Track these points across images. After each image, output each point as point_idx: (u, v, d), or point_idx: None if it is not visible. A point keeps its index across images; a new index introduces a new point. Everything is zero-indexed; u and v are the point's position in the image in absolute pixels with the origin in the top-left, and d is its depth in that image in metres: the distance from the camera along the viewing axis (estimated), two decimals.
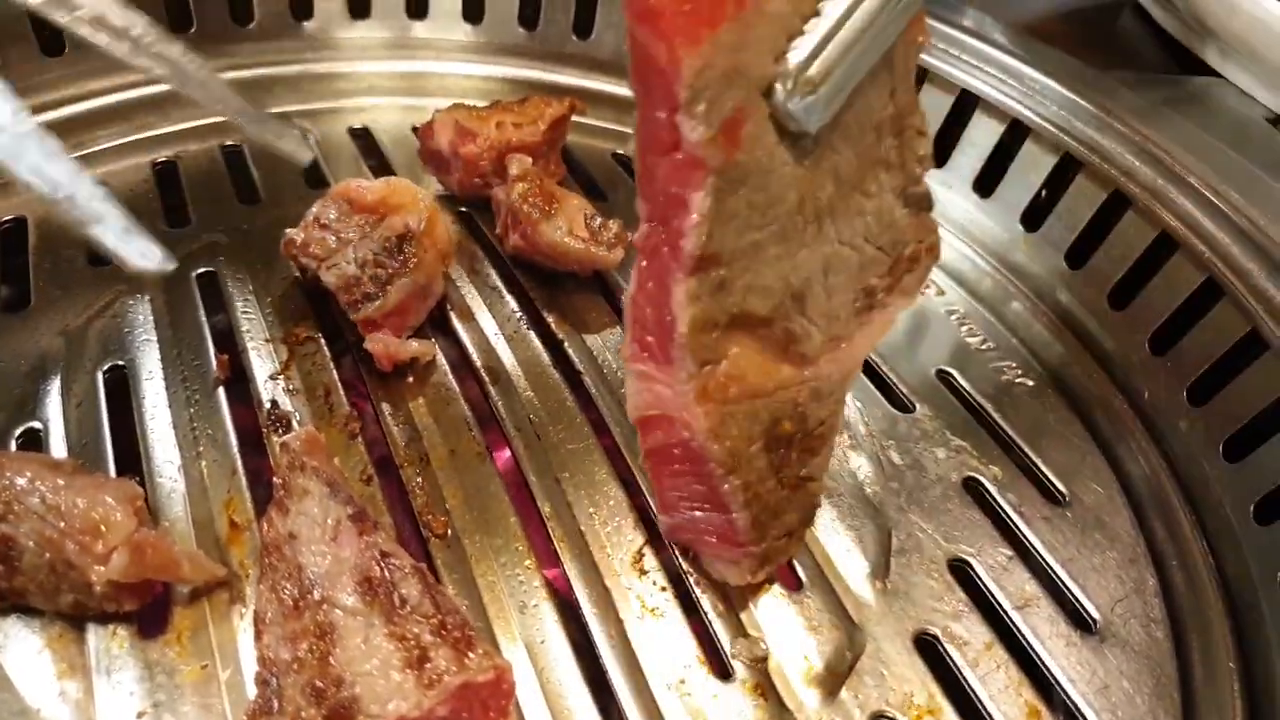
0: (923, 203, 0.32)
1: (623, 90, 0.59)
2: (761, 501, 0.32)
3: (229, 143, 0.51)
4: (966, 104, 0.52)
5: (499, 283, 0.44)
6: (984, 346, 0.48)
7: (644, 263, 0.28)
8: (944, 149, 0.54)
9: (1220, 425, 0.42)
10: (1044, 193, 0.51)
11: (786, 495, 0.33)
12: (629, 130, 0.58)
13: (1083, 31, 0.59)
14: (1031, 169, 0.51)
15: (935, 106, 0.53)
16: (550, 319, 0.43)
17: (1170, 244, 0.45)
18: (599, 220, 0.44)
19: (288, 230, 0.41)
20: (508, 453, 0.37)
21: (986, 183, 0.52)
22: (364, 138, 0.54)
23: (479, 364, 0.40)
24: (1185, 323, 0.44)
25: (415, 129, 0.54)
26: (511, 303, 0.43)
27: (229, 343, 0.40)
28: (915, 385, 0.45)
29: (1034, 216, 0.51)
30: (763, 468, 0.32)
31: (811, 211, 0.29)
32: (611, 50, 0.59)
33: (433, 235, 0.41)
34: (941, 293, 0.51)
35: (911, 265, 0.33)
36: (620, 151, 0.56)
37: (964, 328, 0.49)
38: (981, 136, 0.52)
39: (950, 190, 0.54)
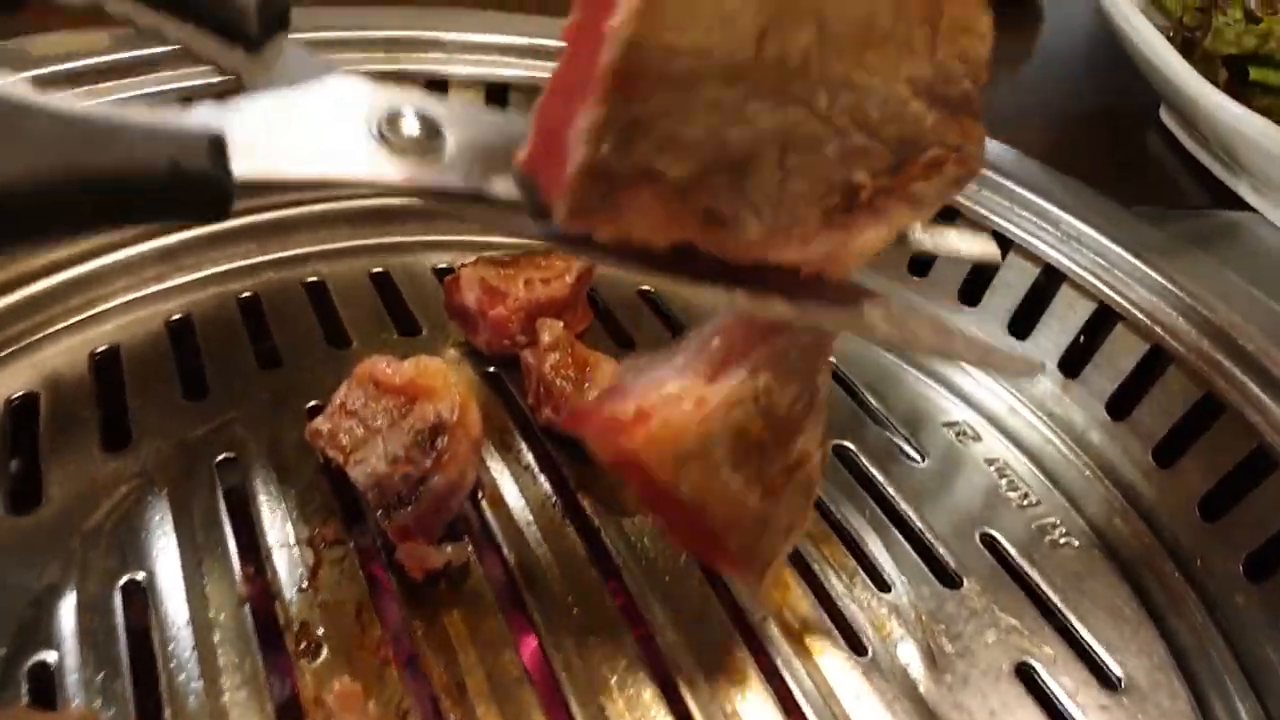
0: (961, 104, 0.26)
1: None
2: (742, 525, 0.29)
3: (244, 293, 0.50)
4: (999, 245, 0.51)
5: (531, 459, 0.43)
6: (1025, 502, 0.47)
7: (563, 63, 0.23)
8: (976, 289, 0.53)
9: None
10: (1082, 338, 0.50)
11: (772, 501, 0.30)
12: None
13: (1108, 156, 0.59)
14: (1068, 315, 0.50)
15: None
16: (586, 502, 0.41)
17: (1217, 406, 0.44)
18: None
19: (313, 422, 0.40)
20: (547, 672, 0.36)
21: (1022, 326, 0.51)
22: (384, 284, 0.53)
23: (513, 562, 0.39)
24: (1237, 491, 0.43)
25: (440, 277, 0.53)
26: (545, 484, 0.42)
27: (253, 545, 0.38)
28: (960, 554, 0.44)
29: (1072, 363, 0.50)
30: (738, 489, 0.28)
31: (776, 54, 0.22)
32: None
33: (465, 424, 0.39)
34: (978, 438, 0.50)
35: (929, 172, 0.26)
36: (646, 288, 0.55)
37: (1004, 480, 0.48)
38: (1015, 278, 0.51)
39: (983, 331, 0.52)
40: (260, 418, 0.43)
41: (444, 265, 0.54)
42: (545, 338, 0.44)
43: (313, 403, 0.44)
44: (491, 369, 0.48)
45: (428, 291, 0.52)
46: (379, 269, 0.54)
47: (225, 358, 0.47)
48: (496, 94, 0.55)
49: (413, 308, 0.51)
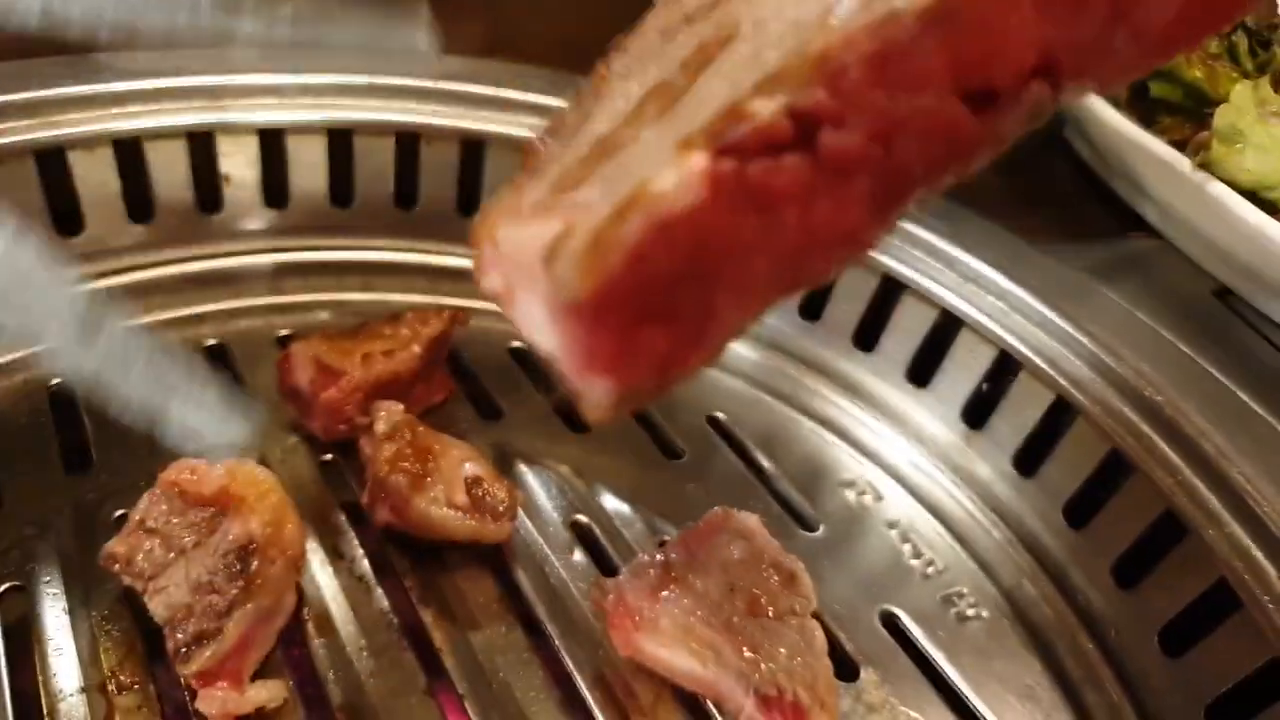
0: None
1: None
2: None
3: (54, 380, 0.44)
4: (892, 290, 0.47)
5: (366, 569, 0.38)
6: (929, 570, 0.43)
7: None
8: (871, 334, 0.49)
9: (1199, 685, 0.37)
10: (985, 387, 0.46)
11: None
12: None
13: (1012, 182, 0.55)
14: (969, 362, 0.46)
15: (859, 287, 0.48)
16: (428, 617, 0.36)
17: (1126, 465, 0.40)
18: (484, 485, 0.38)
19: (109, 544, 0.34)
20: None
21: (921, 373, 0.48)
22: (220, 357, 0.47)
23: (338, 702, 0.34)
24: (1151, 556, 0.40)
25: (283, 345, 0.47)
26: (382, 599, 0.37)
27: (34, 693, 0.33)
28: (861, 639, 0.39)
29: (976, 413, 0.46)
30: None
31: None
32: None
33: (281, 541, 0.34)
34: (879, 498, 0.46)
35: None
36: (520, 345, 0.50)
37: (906, 545, 0.44)
38: (912, 323, 0.47)
39: (882, 380, 0.49)
40: (59, 534, 0.38)
41: (287, 332, 0.49)
42: (380, 426, 0.39)
43: (120, 512, 0.39)
44: (329, 456, 0.43)
45: (268, 364, 0.47)
46: (214, 340, 0.48)
47: (26, 460, 0.41)
48: (340, 138, 0.50)
49: (249, 386, 0.46)
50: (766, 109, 0.19)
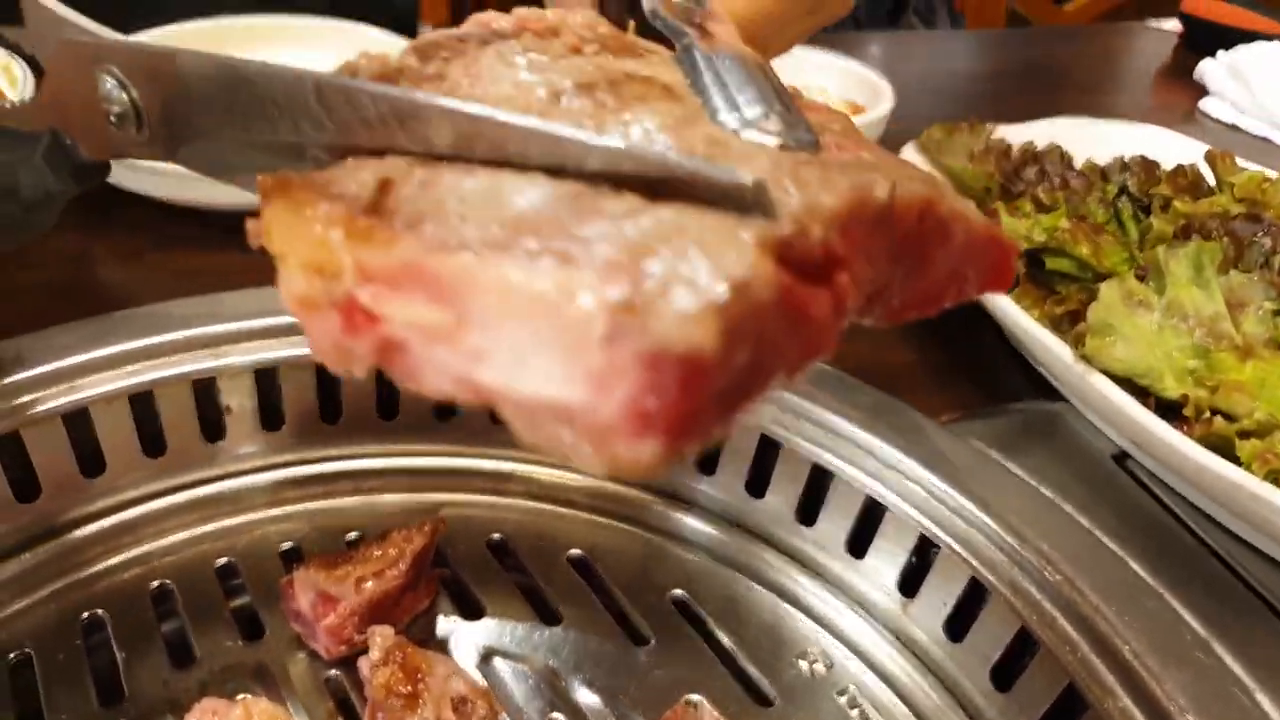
0: None
1: (493, 463, 0.59)
2: None
3: (84, 614, 0.50)
4: (822, 478, 0.53)
5: None
6: None
7: None
8: (811, 511, 0.54)
9: None
10: (914, 560, 0.51)
11: None
12: (501, 500, 0.59)
13: (947, 355, 0.61)
14: (898, 538, 0.51)
15: (794, 471, 0.54)
16: None
17: (1033, 639, 0.45)
18: (468, 704, 0.43)
19: None
20: None
21: (857, 546, 0.53)
22: (229, 576, 0.53)
23: None
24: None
25: (286, 561, 0.53)
26: None
27: None
28: None
29: (909, 584, 0.51)
30: None
31: None
32: (480, 422, 0.59)
33: None
34: (830, 665, 0.51)
35: None
36: (497, 537, 0.56)
37: (854, 710, 0.49)
38: (844, 503, 0.53)
39: (825, 552, 0.54)
40: None
41: (289, 545, 0.55)
42: (374, 654, 0.44)
43: None
44: (333, 671, 0.48)
45: (273, 578, 0.52)
46: (224, 559, 0.53)
47: (63, 695, 0.46)
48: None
49: (256, 601, 0.51)
50: (818, 234, 0.21)
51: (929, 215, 0.25)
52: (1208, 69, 1.03)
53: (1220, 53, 1.02)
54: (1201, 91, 1.04)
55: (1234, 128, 0.96)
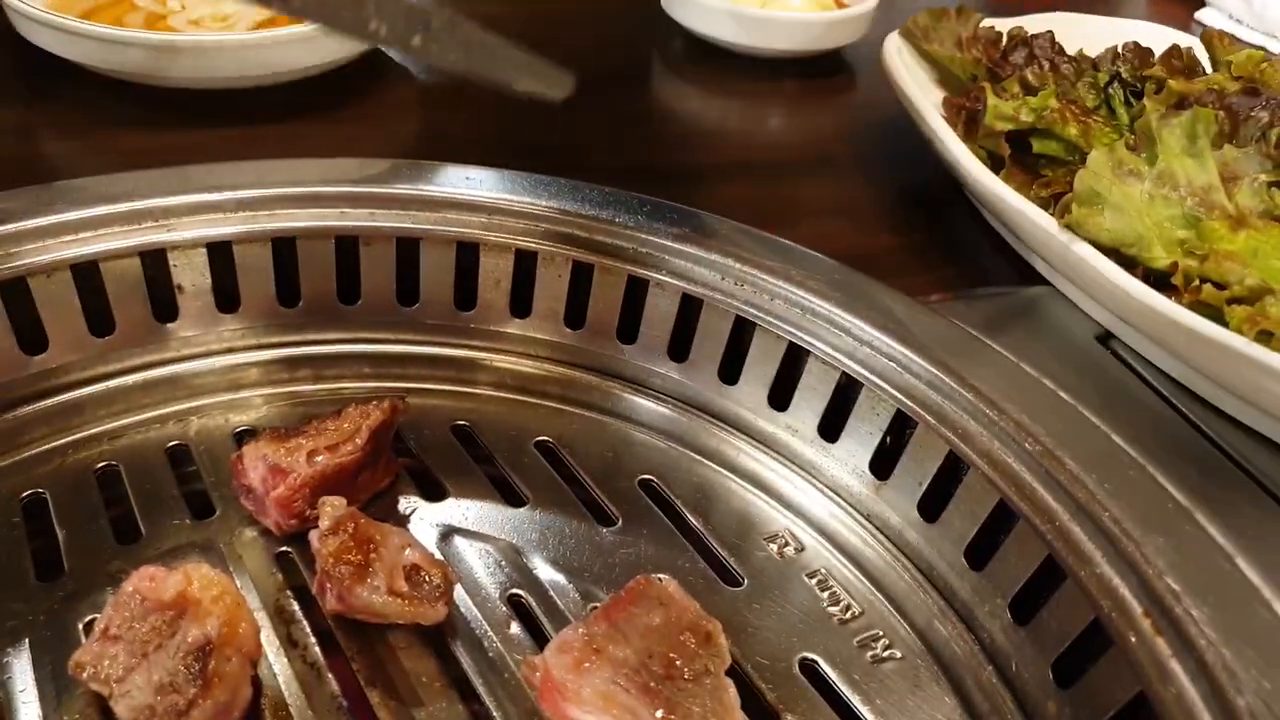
0: None
1: (460, 351, 0.57)
2: None
3: (26, 492, 0.48)
4: (797, 355, 0.51)
5: (318, 655, 0.41)
6: (847, 616, 0.47)
7: None
8: (784, 396, 0.52)
9: (1087, 714, 0.40)
10: (888, 440, 0.49)
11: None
12: (468, 390, 0.57)
13: (917, 237, 0.59)
14: (871, 419, 0.49)
15: (767, 359, 0.52)
16: (375, 698, 0.40)
17: (1011, 514, 0.44)
18: (421, 572, 0.42)
19: (76, 653, 0.38)
20: None
21: (830, 429, 0.51)
22: (181, 459, 0.51)
23: None
24: (1039, 595, 0.43)
25: (240, 441, 0.51)
26: (332, 683, 0.40)
27: None
28: (781, 688, 0.43)
29: (881, 466, 0.50)
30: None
31: None
32: (446, 310, 0.57)
33: (236, 640, 0.38)
34: (800, 548, 0.50)
35: None
36: (463, 424, 0.54)
37: (825, 593, 0.48)
38: (818, 383, 0.51)
39: (796, 436, 0.52)
40: (32, 642, 0.41)
41: (245, 427, 0.53)
42: (324, 523, 0.42)
43: (91, 617, 0.42)
44: (284, 548, 0.46)
45: (226, 461, 0.50)
46: (175, 442, 0.51)
47: (1, 570, 0.44)
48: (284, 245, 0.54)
49: (208, 484, 0.49)
50: None
51: None
52: None
53: None
54: (1197, 3, 1.01)
55: (1231, 37, 0.94)
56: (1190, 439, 0.46)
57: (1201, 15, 0.98)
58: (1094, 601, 0.39)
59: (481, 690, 0.40)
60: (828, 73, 0.81)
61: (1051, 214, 0.50)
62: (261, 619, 0.42)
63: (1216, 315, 0.43)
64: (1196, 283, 0.44)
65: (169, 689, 0.36)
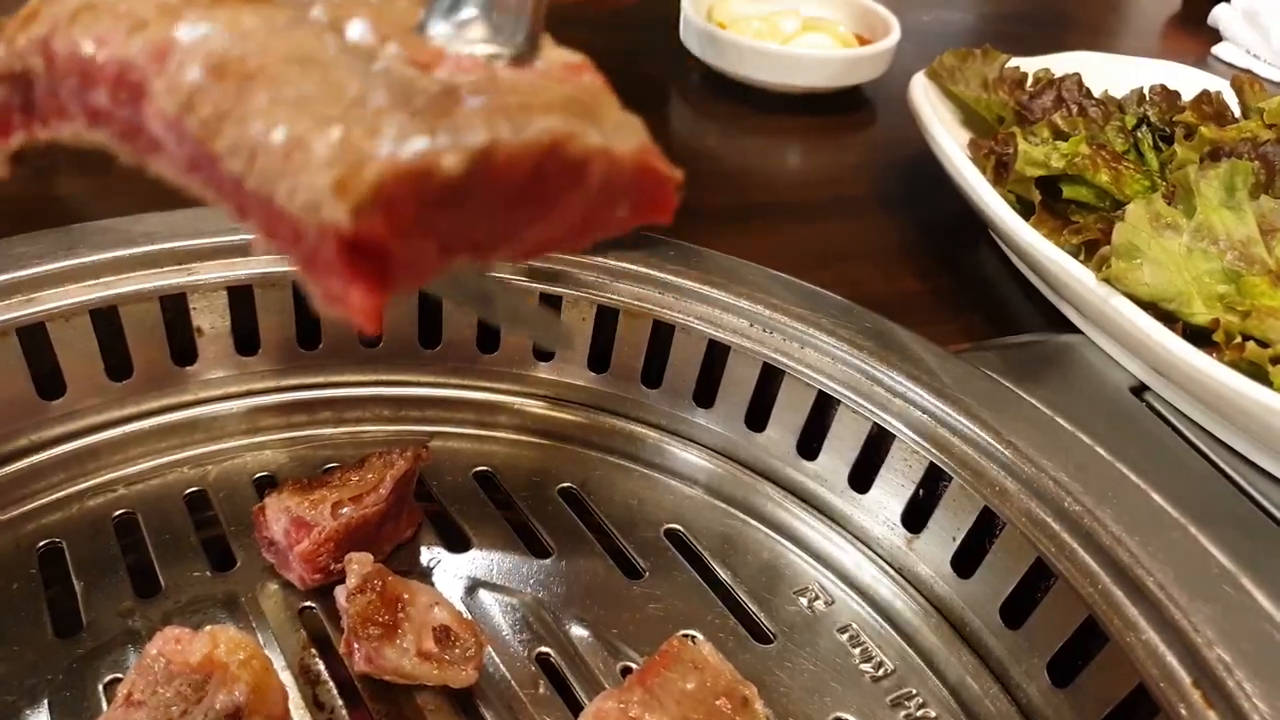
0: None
1: (481, 394, 0.56)
2: None
3: (42, 541, 0.47)
4: (825, 408, 0.50)
5: (345, 717, 0.40)
6: (880, 673, 0.46)
7: None
8: (813, 445, 0.52)
9: None
10: (920, 492, 0.49)
11: None
12: (490, 434, 0.56)
13: (941, 281, 0.58)
14: (904, 470, 0.49)
15: (795, 408, 0.51)
16: None
17: (1049, 572, 0.43)
18: (451, 634, 0.41)
19: None
20: None
21: (861, 480, 0.50)
22: (200, 506, 0.50)
23: None
24: (1081, 657, 0.42)
25: (260, 489, 0.50)
26: None
27: None
28: None
29: (914, 519, 0.49)
30: None
31: None
32: (468, 351, 0.56)
33: (265, 706, 0.37)
34: (830, 602, 0.49)
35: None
36: (485, 469, 0.53)
37: (857, 649, 0.47)
38: (849, 434, 0.50)
39: (825, 486, 0.51)
40: (50, 704, 0.40)
41: (265, 473, 0.52)
42: (351, 581, 0.41)
43: (112, 676, 0.41)
44: (308, 603, 0.45)
45: (246, 509, 0.49)
46: (194, 488, 0.50)
47: (15, 626, 0.43)
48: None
49: (228, 532, 0.48)
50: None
51: (554, 159, 0.22)
52: (1222, 14, 1.00)
53: None
54: (1213, 38, 1.01)
55: (1248, 73, 0.93)
56: (1231, 498, 0.46)
57: (1218, 50, 0.98)
58: (1140, 669, 0.39)
59: None
60: (848, 109, 0.80)
61: (1083, 261, 0.50)
62: (286, 679, 0.41)
63: (1259, 373, 0.43)
64: (1238, 339, 0.43)
65: None
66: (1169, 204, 0.47)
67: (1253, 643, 0.37)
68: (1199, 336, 0.45)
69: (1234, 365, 0.42)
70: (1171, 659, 0.38)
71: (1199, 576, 0.40)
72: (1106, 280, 0.46)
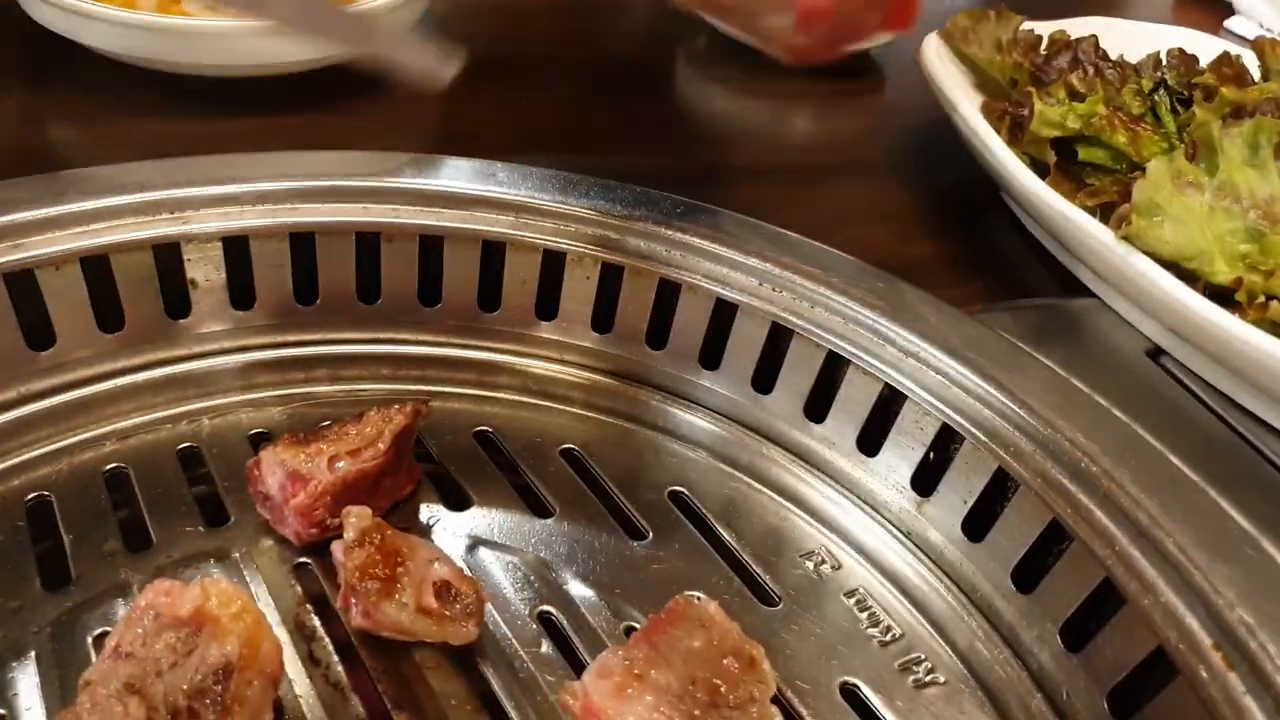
0: None
1: (482, 354, 0.55)
2: None
3: (30, 494, 0.46)
4: (835, 368, 0.49)
5: (342, 674, 0.39)
6: (888, 638, 0.45)
7: None
8: (821, 407, 0.50)
9: None
10: (931, 455, 0.48)
11: None
12: (490, 394, 0.55)
13: (953, 243, 0.57)
14: (915, 432, 0.48)
15: (806, 361, 0.50)
16: None
17: (1066, 535, 0.42)
18: (452, 588, 0.39)
19: (84, 675, 0.35)
20: None
21: (870, 443, 0.49)
22: (192, 462, 0.49)
23: None
24: (1095, 621, 0.41)
25: (255, 445, 0.49)
26: (357, 706, 0.38)
27: None
28: (823, 712, 0.41)
29: (924, 482, 0.48)
30: None
31: None
32: (468, 310, 0.55)
33: (257, 661, 0.35)
34: (837, 566, 0.48)
35: None
36: (485, 430, 0.52)
37: (864, 614, 0.46)
38: (859, 394, 0.49)
39: (833, 449, 0.50)
40: (39, 657, 0.39)
41: (260, 429, 0.50)
42: (349, 534, 0.40)
43: (100, 630, 0.40)
44: (303, 559, 0.44)
45: (241, 465, 0.48)
46: (187, 443, 0.49)
47: (2, 578, 0.42)
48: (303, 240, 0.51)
49: (221, 488, 0.47)
50: None
51: None
52: None
53: None
54: (1226, 11, 0.99)
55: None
56: (1250, 460, 0.45)
57: (1231, 24, 0.97)
58: (1158, 632, 0.38)
59: (514, 714, 0.38)
60: (856, 74, 0.79)
61: (1100, 223, 0.49)
62: (281, 634, 0.40)
63: None
64: (1262, 299, 0.42)
65: (187, 712, 0.34)
66: (1190, 162, 0.46)
67: (1275, 604, 0.36)
68: (1221, 296, 0.44)
69: (1257, 325, 0.41)
70: (1192, 621, 0.37)
71: (1220, 538, 0.39)
72: (1126, 238, 0.45)
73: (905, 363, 0.47)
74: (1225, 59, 0.58)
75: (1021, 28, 0.63)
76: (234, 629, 0.36)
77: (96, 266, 0.48)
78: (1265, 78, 0.57)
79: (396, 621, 0.39)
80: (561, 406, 0.54)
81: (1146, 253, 0.45)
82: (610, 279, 0.53)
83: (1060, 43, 0.60)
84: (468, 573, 0.42)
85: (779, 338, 0.51)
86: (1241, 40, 0.95)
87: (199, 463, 0.49)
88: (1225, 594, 0.36)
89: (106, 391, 0.50)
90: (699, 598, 0.43)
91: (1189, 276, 0.44)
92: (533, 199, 0.53)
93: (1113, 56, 0.63)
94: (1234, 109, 0.50)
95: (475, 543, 0.46)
